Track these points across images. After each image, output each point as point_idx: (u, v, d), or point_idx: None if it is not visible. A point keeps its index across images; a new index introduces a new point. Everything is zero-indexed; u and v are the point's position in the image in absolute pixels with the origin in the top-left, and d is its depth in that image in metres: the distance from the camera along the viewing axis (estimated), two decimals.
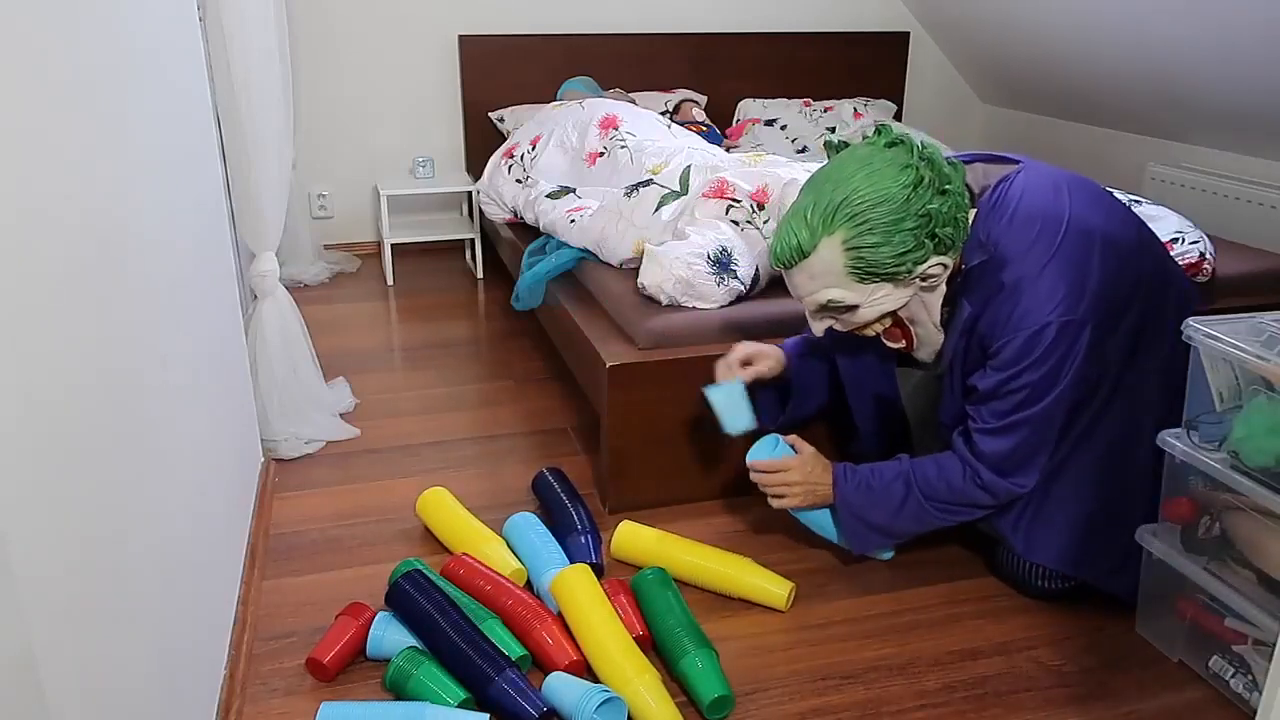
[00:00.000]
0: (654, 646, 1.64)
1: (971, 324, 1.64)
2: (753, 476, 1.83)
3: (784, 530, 2.01)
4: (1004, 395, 1.60)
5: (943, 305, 1.69)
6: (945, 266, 1.60)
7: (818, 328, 1.70)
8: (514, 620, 1.63)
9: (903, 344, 1.72)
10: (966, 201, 1.60)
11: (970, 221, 1.62)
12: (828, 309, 1.65)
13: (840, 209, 1.55)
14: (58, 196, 0.94)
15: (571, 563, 1.80)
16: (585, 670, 1.57)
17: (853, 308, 1.63)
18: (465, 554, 1.78)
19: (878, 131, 1.62)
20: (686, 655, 1.55)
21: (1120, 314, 1.61)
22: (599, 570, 1.83)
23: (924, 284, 1.62)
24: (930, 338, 1.70)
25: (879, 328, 1.69)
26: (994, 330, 1.59)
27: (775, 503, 1.82)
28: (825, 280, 1.60)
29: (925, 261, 1.57)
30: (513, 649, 1.58)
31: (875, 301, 1.62)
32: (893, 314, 1.66)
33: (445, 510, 1.96)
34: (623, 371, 2.01)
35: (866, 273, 1.57)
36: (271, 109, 2.22)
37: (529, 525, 1.88)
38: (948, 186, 1.55)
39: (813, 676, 1.60)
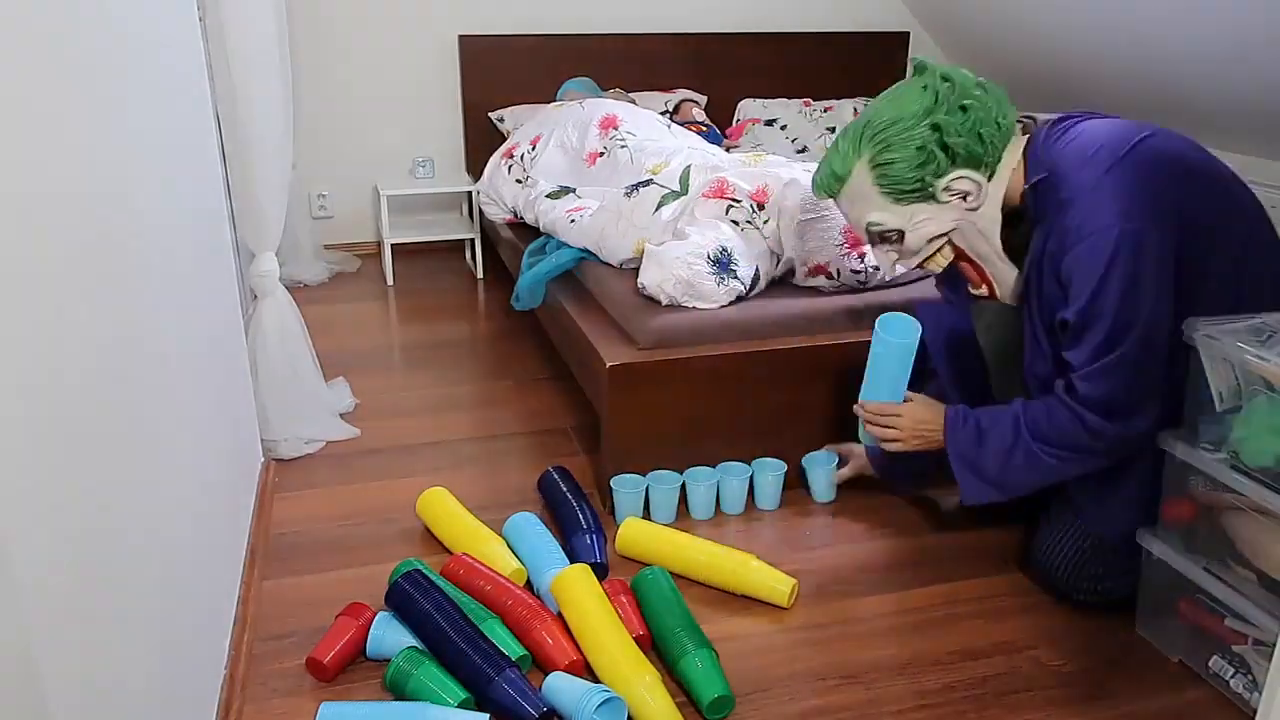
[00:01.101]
0: (653, 646, 1.64)
1: (1040, 251, 1.61)
2: (864, 417, 1.87)
3: (785, 531, 2.02)
4: (1091, 327, 1.53)
5: (1017, 240, 1.67)
6: (975, 182, 1.62)
7: (883, 260, 1.77)
8: (513, 620, 1.63)
9: (984, 289, 1.72)
10: (997, 118, 1.61)
11: (1017, 144, 1.64)
12: (880, 238, 1.71)
13: (864, 131, 1.64)
14: (58, 197, 0.94)
15: (576, 562, 1.79)
16: (585, 670, 1.57)
17: (899, 233, 1.68)
18: (465, 554, 1.78)
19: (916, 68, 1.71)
20: (686, 655, 1.55)
21: (1208, 243, 1.52)
22: (603, 570, 1.83)
23: (966, 205, 1.64)
24: (1003, 275, 1.69)
25: (941, 260, 1.71)
26: (1060, 248, 1.54)
27: (888, 446, 1.84)
28: (865, 204, 1.68)
29: (945, 174, 1.61)
30: (513, 649, 1.58)
31: (918, 225, 1.66)
32: (954, 247, 1.68)
33: (445, 510, 1.96)
34: (623, 371, 2.01)
35: (896, 190, 1.64)
36: (271, 109, 2.22)
37: (529, 525, 1.88)
38: (967, 102, 1.59)
39: (813, 676, 1.60)
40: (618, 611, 1.64)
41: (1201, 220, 1.52)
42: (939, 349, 1.90)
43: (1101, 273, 1.49)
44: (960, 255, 1.69)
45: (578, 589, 1.64)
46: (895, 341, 1.83)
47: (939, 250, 1.69)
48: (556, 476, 2.04)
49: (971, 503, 1.75)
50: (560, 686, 1.48)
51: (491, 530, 1.90)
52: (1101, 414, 1.56)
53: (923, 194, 1.62)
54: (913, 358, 1.85)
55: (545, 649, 1.58)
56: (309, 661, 1.58)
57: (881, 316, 1.87)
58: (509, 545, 1.86)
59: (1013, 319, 1.78)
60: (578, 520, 1.89)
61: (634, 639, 1.60)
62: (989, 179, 1.62)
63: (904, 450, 1.82)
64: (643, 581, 1.70)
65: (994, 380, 1.89)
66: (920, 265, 1.73)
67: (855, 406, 1.89)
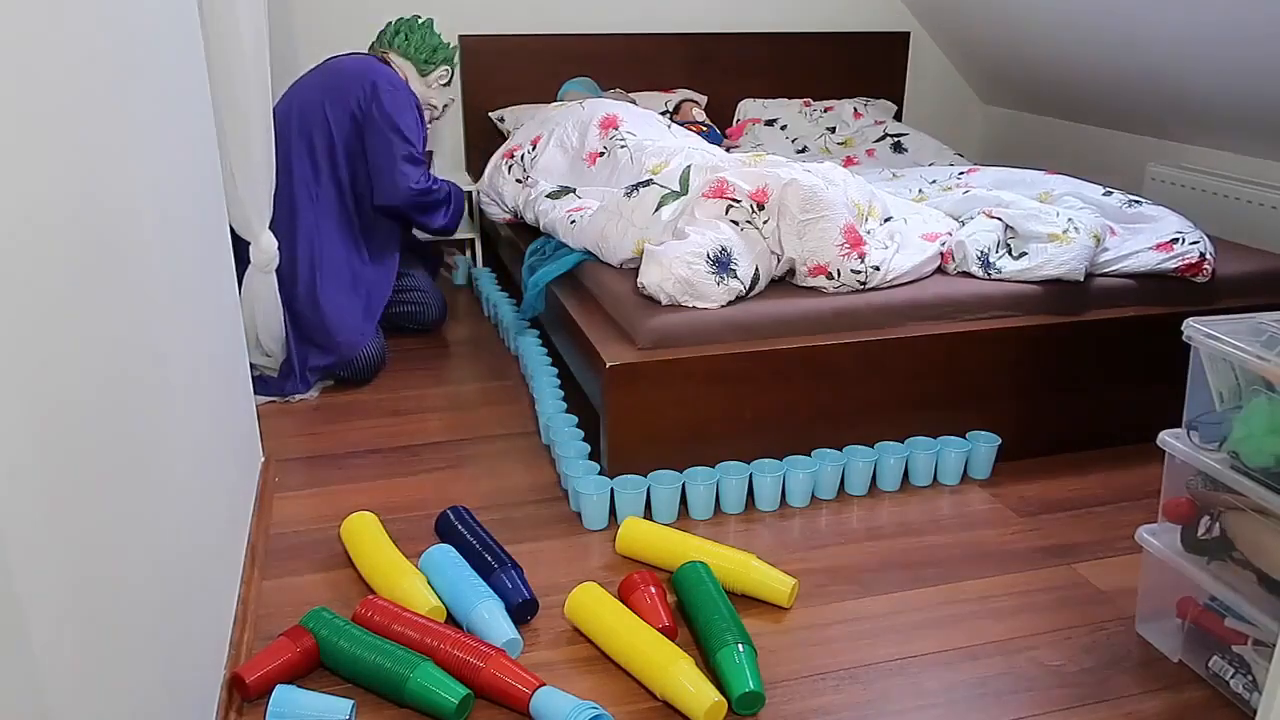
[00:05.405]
0: (694, 639, 1.64)
1: None
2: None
3: (785, 531, 2.02)
4: None
5: None
6: None
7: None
8: (452, 661, 1.53)
9: None
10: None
11: None
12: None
13: None
14: (57, 195, 0.94)
15: (502, 599, 1.71)
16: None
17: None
18: (376, 596, 1.68)
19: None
20: (726, 648, 1.55)
21: None
22: (532, 606, 1.73)
23: None
24: None
25: None
26: None
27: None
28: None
29: None
30: (454, 689, 1.48)
31: None
32: None
33: (364, 540, 1.86)
34: (623, 371, 2.01)
35: None
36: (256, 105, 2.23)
37: (447, 559, 1.78)
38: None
39: (813, 676, 1.60)
40: (645, 601, 1.66)
41: None
42: None
43: None
44: None
45: (592, 605, 1.65)
46: None
47: None
48: (452, 518, 1.93)
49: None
50: (548, 703, 1.45)
51: (410, 564, 1.78)
52: None
53: None
54: None
55: (503, 685, 1.49)
56: (233, 677, 1.51)
57: None
58: (428, 580, 1.75)
59: None
60: (488, 561, 1.77)
61: (661, 629, 1.61)
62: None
63: None
64: (685, 576, 1.72)
65: None
66: None
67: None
